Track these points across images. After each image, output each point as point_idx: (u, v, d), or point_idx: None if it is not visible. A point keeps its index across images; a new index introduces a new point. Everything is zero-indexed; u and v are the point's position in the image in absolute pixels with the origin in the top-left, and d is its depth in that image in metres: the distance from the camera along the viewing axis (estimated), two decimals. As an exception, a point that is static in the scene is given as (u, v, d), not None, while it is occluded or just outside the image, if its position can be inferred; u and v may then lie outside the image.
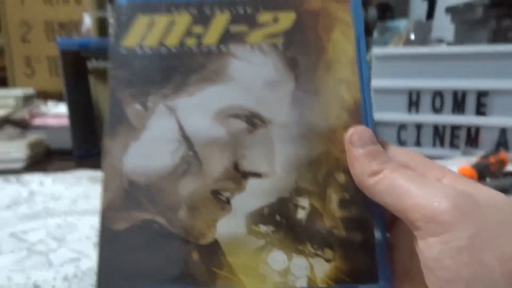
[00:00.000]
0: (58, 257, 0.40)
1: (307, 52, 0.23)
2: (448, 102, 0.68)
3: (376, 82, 0.70)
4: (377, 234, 0.21)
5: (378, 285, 0.20)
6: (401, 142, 0.72)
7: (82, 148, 0.75)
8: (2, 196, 0.56)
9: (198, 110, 0.23)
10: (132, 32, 0.24)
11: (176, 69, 0.23)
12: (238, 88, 0.23)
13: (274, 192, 0.22)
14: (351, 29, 0.24)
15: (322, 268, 0.20)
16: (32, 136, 0.75)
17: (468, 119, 0.68)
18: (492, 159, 0.57)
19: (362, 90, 0.23)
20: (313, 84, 0.23)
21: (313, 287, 0.20)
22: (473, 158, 0.60)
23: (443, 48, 0.70)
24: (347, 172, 0.21)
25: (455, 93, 0.68)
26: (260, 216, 0.21)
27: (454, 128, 0.69)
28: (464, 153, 0.66)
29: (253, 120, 0.23)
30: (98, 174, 0.64)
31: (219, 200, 0.21)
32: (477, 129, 0.68)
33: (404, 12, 1.60)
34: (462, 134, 0.69)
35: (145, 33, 0.24)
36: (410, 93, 0.70)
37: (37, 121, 0.81)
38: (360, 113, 0.22)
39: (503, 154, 0.58)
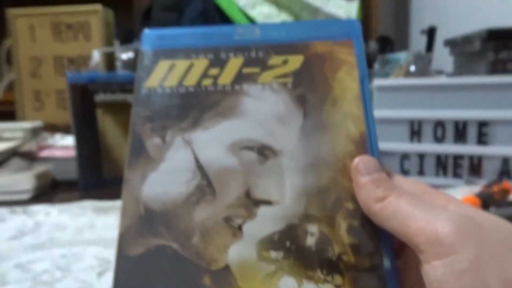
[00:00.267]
0: None
1: (315, 89, 0.25)
2: (450, 132, 0.69)
3: (378, 113, 0.72)
4: (386, 260, 0.21)
5: None
6: (404, 171, 0.72)
7: (87, 179, 0.75)
8: (8, 227, 0.56)
9: (213, 142, 0.24)
10: (154, 74, 0.26)
11: (193, 106, 0.25)
12: (250, 123, 0.25)
13: (284, 219, 0.22)
14: (355, 69, 0.26)
15: None
16: (39, 168, 0.75)
17: (470, 148, 0.68)
18: (495, 189, 0.57)
19: (367, 124, 0.24)
20: (320, 118, 0.25)
21: None
22: (476, 188, 0.60)
23: (443, 80, 0.71)
24: (355, 199, 0.22)
25: (456, 123, 0.69)
26: (271, 242, 0.22)
27: (457, 157, 0.69)
28: (467, 182, 0.66)
29: (264, 152, 0.24)
30: (102, 204, 0.65)
31: (231, 226, 0.22)
32: (479, 159, 0.68)
33: (404, 45, 1.64)
34: (465, 163, 0.69)
35: (166, 75, 0.26)
36: (411, 123, 0.71)
37: (44, 153, 0.82)
38: (366, 144, 0.24)
39: (506, 184, 0.59)
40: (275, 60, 0.26)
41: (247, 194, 0.23)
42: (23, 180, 0.70)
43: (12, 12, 1.15)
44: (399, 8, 1.75)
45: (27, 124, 0.88)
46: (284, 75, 0.26)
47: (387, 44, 1.25)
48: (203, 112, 0.25)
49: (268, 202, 0.23)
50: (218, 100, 0.25)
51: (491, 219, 0.19)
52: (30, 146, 0.82)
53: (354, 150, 0.23)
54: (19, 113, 1.17)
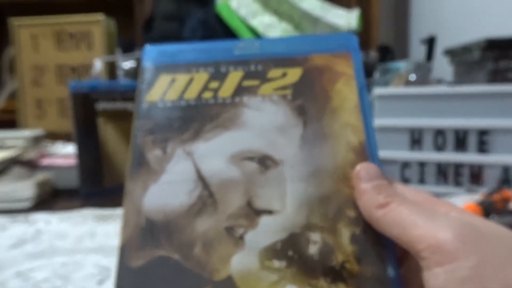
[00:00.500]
0: (63, 296, 0.40)
1: (314, 100, 0.26)
2: (450, 140, 0.69)
3: (379, 121, 0.72)
4: (390, 268, 0.21)
5: None
6: (405, 180, 0.72)
7: (88, 187, 0.75)
8: (9, 235, 0.56)
9: (214, 153, 0.24)
10: (155, 88, 0.27)
11: (194, 118, 0.26)
12: (251, 134, 0.25)
13: (286, 228, 0.22)
14: (353, 80, 0.26)
15: None
16: (40, 176, 0.76)
17: (470, 157, 0.68)
18: (495, 197, 0.57)
19: (367, 133, 0.25)
20: (320, 128, 0.25)
21: None
22: (477, 196, 0.60)
23: (443, 89, 0.71)
24: (356, 208, 0.22)
25: (456, 132, 0.69)
26: (273, 252, 0.22)
27: (457, 166, 0.69)
28: (468, 191, 0.66)
29: (265, 161, 0.24)
30: (103, 212, 0.64)
31: (233, 236, 0.22)
32: (480, 167, 0.68)
33: (404, 54, 1.65)
34: (466, 171, 0.69)
35: (167, 89, 0.27)
36: (412, 131, 0.71)
37: (45, 161, 0.83)
38: (366, 152, 0.24)
39: (506, 192, 0.59)
40: (274, 72, 0.27)
41: (249, 204, 0.23)
42: (24, 188, 0.70)
43: (15, 21, 1.16)
44: (399, 18, 1.76)
45: (28, 133, 0.88)
46: (284, 87, 0.26)
47: (387, 53, 1.26)
48: (204, 124, 0.25)
49: (269, 212, 0.23)
50: (219, 112, 0.25)
51: (492, 227, 0.19)
52: (31, 154, 0.82)
53: (355, 159, 0.24)
54: (21, 122, 1.17)
